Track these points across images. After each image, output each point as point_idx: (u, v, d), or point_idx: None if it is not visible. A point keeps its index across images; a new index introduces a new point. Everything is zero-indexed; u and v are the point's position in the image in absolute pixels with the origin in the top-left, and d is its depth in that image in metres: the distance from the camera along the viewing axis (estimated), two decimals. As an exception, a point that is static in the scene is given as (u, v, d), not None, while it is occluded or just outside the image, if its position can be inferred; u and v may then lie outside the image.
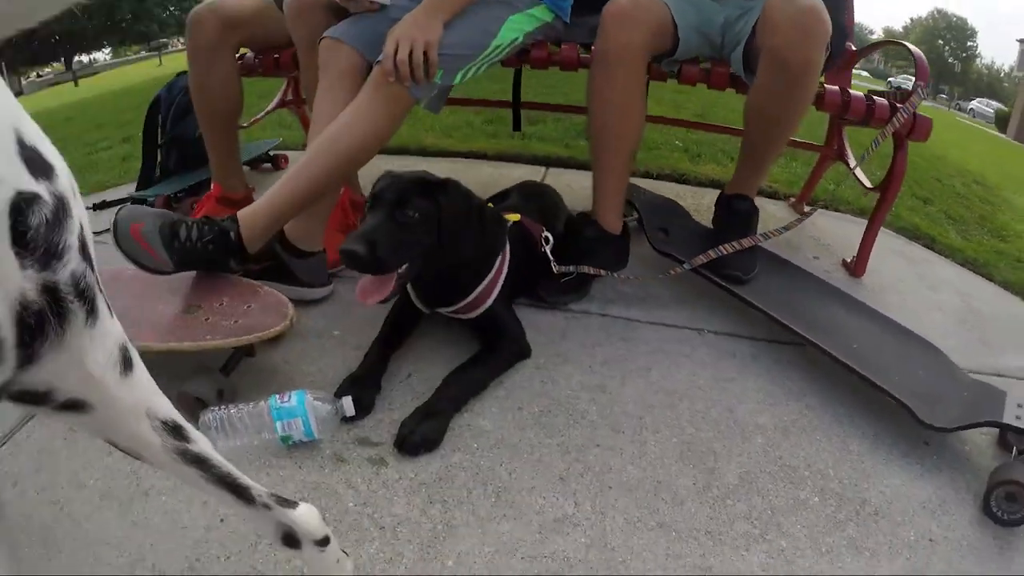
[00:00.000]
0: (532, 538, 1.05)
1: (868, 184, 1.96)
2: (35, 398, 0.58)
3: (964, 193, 3.43)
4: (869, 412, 1.34)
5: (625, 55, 1.56)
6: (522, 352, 1.46)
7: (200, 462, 0.72)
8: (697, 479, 1.17)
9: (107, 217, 2.43)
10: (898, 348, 1.46)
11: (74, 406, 0.61)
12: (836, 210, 2.46)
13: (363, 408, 1.29)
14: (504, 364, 1.42)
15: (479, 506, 1.11)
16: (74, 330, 0.55)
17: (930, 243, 2.34)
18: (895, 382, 1.31)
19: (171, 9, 34.80)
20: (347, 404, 1.24)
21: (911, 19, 67.02)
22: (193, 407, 1.26)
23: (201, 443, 0.73)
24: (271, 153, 2.84)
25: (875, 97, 1.74)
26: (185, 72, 2.22)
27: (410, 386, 1.39)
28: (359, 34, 1.56)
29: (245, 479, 0.76)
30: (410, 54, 1.40)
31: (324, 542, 0.83)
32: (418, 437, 1.20)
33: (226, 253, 1.45)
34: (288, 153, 2.94)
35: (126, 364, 0.64)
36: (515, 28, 1.59)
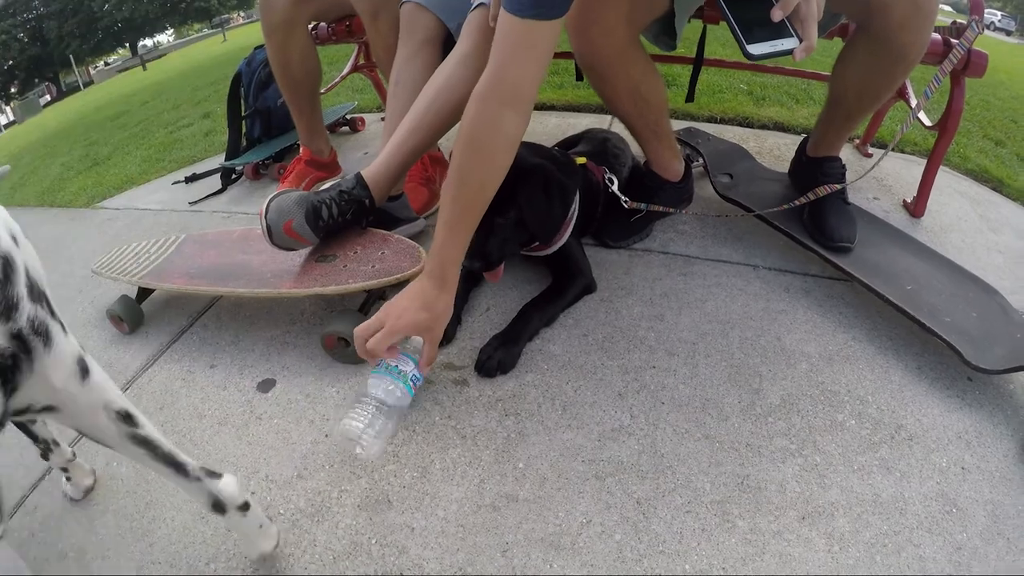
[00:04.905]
0: (592, 445, 1.15)
1: (928, 123, 1.86)
2: (18, 412, 0.70)
3: (1043, 136, 3.14)
4: (915, 346, 1.33)
5: (606, 60, 1.44)
6: (589, 287, 1.51)
7: (146, 443, 0.83)
8: (742, 398, 1.22)
9: (199, 188, 2.58)
10: (952, 288, 1.41)
11: (49, 410, 0.74)
12: (901, 151, 2.34)
13: (447, 338, 1.39)
14: (573, 297, 1.47)
15: (547, 418, 1.21)
16: (39, 358, 0.66)
17: (998, 185, 2.19)
18: (945, 323, 1.28)
19: (229, -16, 34.41)
20: None
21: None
22: (336, 345, 1.38)
23: (147, 428, 0.83)
24: (348, 116, 2.90)
25: None
26: (262, 46, 2.29)
27: (489, 318, 1.48)
28: (440, 0, 1.56)
29: (183, 457, 0.87)
30: None
31: (244, 507, 0.93)
32: (495, 361, 1.30)
33: (362, 217, 1.52)
34: (364, 116, 2.99)
35: (84, 372, 0.76)
36: None
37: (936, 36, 1.60)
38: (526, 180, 1.32)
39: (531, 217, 1.35)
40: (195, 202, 2.46)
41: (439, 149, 2.10)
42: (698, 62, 1.92)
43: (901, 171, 2.12)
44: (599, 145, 1.73)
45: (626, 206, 1.57)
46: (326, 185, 1.52)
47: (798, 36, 0.89)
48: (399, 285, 1.35)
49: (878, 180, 2.05)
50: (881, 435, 1.14)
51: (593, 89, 1.56)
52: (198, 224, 2.25)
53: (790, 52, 0.89)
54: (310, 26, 2.09)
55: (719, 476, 1.08)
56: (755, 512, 1.02)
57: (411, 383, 1.13)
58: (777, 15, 0.86)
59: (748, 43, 0.90)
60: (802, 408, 1.20)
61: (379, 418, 1.07)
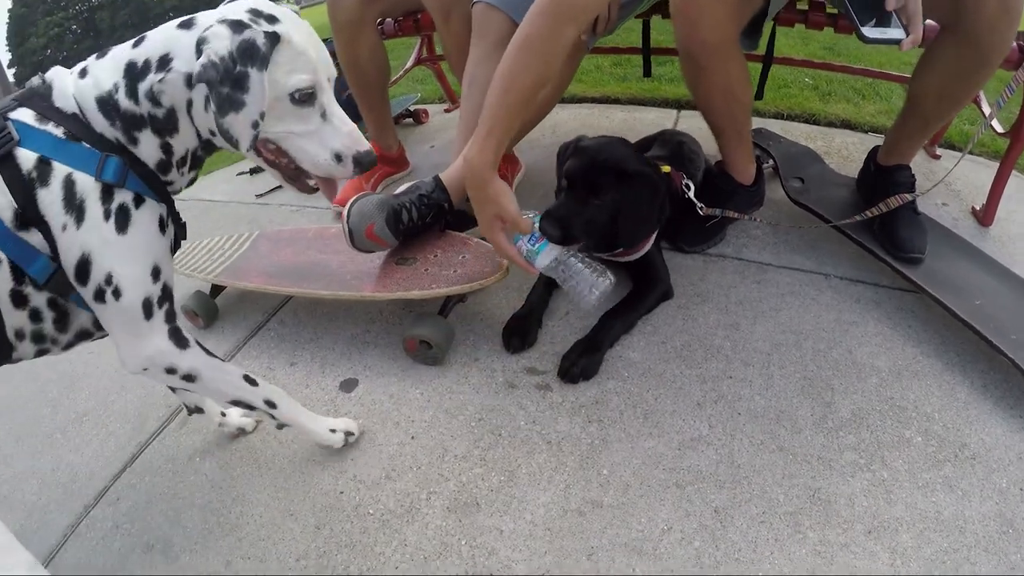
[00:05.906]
0: (672, 453, 1.21)
1: (1000, 128, 1.84)
2: None
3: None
4: (981, 362, 1.35)
5: (710, 51, 1.43)
6: (667, 294, 1.55)
7: None
8: (815, 411, 1.27)
9: (264, 180, 2.60)
10: (1019, 305, 1.41)
11: None
12: (970, 152, 2.26)
13: (528, 343, 1.45)
14: (652, 304, 1.52)
15: (629, 425, 1.27)
16: None
17: (1069, 191, 2.13)
18: (1011, 341, 1.29)
19: (279, -33, 34.37)
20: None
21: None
22: (418, 349, 1.43)
23: None
24: (411, 108, 2.90)
25: None
26: (328, 39, 2.29)
27: (568, 322, 1.53)
28: None
29: None
30: None
31: None
32: (578, 368, 1.36)
33: (440, 219, 1.56)
34: (428, 107, 2.99)
35: None
36: None
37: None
38: (634, 183, 1.36)
39: (626, 218, 1.38)
40: (262, 195, 2.50)
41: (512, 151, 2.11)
42: (768, 60, 1.93)
43: (969, 175, 2.09)
44: (675, 148, 1.75)
45: (701, 213, 1.59)
46: (403, 188, 1.56)
47: (905, 29, 1.01)
48: (480, 290, 1.40)
49: (946, 184, 2.02)
50: (946, 453, 1.18)
51: (686, 82, 1.57)
52: (266, 217, 2.30)
53: (898, 42, 1.01)
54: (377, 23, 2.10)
55: (792, 488, 1.14)
56: (825, 525, 1.08)
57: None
58: (891, 4, 0.98)
59: (863, 25, 1.02)
60: (871, 423, 1.24)
61: (585, 259, 1.31)
